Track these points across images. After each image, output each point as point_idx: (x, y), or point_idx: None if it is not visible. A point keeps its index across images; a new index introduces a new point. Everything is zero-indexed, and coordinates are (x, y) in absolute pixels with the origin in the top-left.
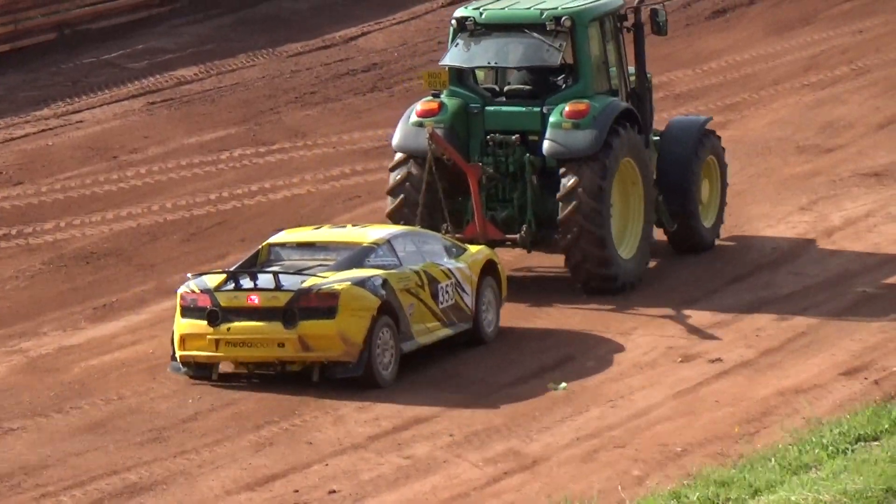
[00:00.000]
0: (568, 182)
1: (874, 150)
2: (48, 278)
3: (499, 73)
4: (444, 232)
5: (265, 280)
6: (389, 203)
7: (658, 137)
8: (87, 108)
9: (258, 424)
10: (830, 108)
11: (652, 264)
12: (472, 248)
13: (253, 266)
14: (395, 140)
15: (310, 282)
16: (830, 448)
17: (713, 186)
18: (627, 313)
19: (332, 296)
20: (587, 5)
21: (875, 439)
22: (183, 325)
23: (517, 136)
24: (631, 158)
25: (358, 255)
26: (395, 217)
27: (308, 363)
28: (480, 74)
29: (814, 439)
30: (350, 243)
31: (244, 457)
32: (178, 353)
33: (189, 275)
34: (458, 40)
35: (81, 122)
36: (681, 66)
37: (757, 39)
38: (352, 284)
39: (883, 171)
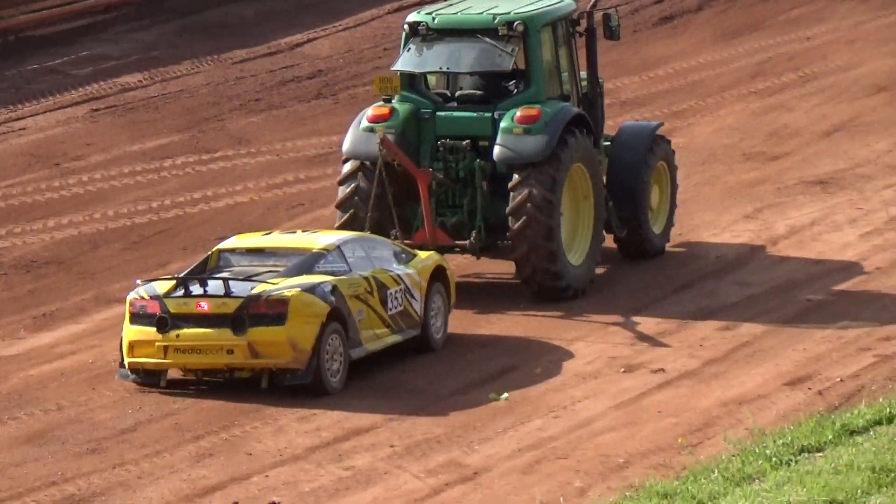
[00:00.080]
0: (518, 188)
1: (820, 157)
2: None
3: (450, 78)
4: (393, 238)
5: (215, 286)
6: (338, 218)
7: (609, 143)
8: (30, 115)
9: (198, 435)
10: (777, 116)
11: (600, 270)
12: (422, 254)
13: (203, 272)
14: (346, 145)
15: (259, 288)
16: (774, 459)
17: (663, 192)
18: (572, 322)
19: (282, 302)
20: (540, 10)
21: (819, 450)
22: (131, 332)
23: (468, 141)
24: (582, 164)
25: (307, 262)
26: (345, 225)
27: (257, 370)
28: (432, 79)
29: (757, 450)
30: (300, 249)
31: (184, 468)
32: (127, 360)
33: (138, 281)
34: (410, 45)
35: (24, 129)
36: (628, 73)
37: (704, 46)
38: (301, 291)
39: (828, 178)
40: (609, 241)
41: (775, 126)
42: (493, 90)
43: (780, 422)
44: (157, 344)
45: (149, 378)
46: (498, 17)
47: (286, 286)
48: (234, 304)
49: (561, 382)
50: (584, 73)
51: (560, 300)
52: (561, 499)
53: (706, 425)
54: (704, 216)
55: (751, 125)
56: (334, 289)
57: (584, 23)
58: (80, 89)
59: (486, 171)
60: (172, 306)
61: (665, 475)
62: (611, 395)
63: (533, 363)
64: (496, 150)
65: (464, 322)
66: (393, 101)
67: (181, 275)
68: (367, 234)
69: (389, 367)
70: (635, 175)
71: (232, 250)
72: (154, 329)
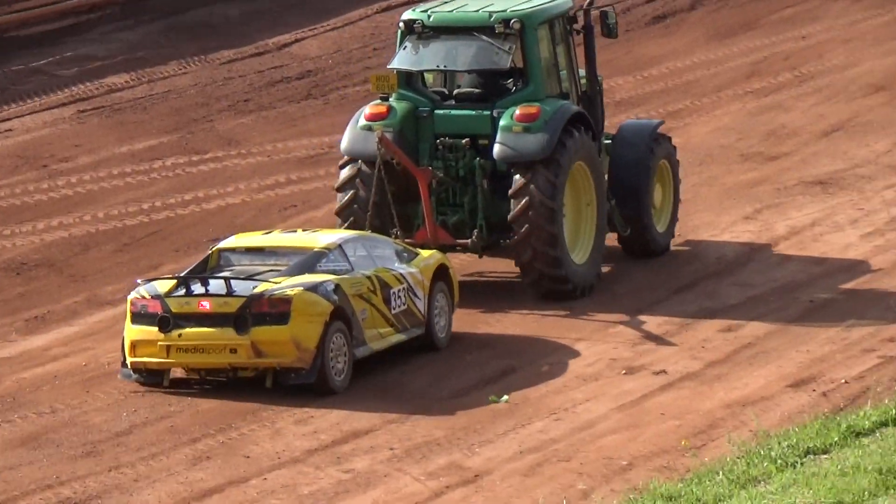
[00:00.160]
0: (519, 186)
1: (819, 158)
2: None
3: (448, 76)
4: (394, 237)
5: (216, 285)
6: (338, 225)
7: (609, 141)
8: (17, 116)
9: (194, 438)
10: (774, 116)
11: (605, 269)
12: (424, 253)
13: (203, 271)
14: (344, 144)
15: (262, 287)
16: (779, 461)
17: (666, 191)
18: (573, 322)
19: (285, 301)
20: (536, 7)
21: (824, 452)
22: (133, 332)
23: (467, 139)
24: (583, 162)
25: (309, 260)
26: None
27: (261, 369)
28: (429, 77)
29: (762, 452)
30: (301, 248)
31: (180, 471)
32: (129, 360)
33: (139, 280)
34: (406, 43)
35: (10, 130)
36: (621, 73)
37: (698, 45)
38: (304, 290)
39: (828, 179)
40: (612, 240)
41: (772, 126)
42: (492, 88)
43: (784, 424)
44: (159, 343)
45: (151, 378)
46: (494, 15)
47: (289, 285)
48: (237, 304)
49: (562, 384)
50: (582, 71)
51: (564, 298)
52: (563, 501)
53: (710, 427)
54: (703, 217)
55: (748, 125)
56: (337, 288)
57: (581, 20)
58: (67, 90)
59: (487, 169)
60: (174, 306)
61: (669, 477)
62: (612, 397)
63: (534, 364)
64: (496, 148)
65: (466, 321)
66: (390, 99)
67: (182, 274)
68: (368, 232)
69: (388, 368)
70: (637, 173)
71: (232, 249)
72: (156, 329)
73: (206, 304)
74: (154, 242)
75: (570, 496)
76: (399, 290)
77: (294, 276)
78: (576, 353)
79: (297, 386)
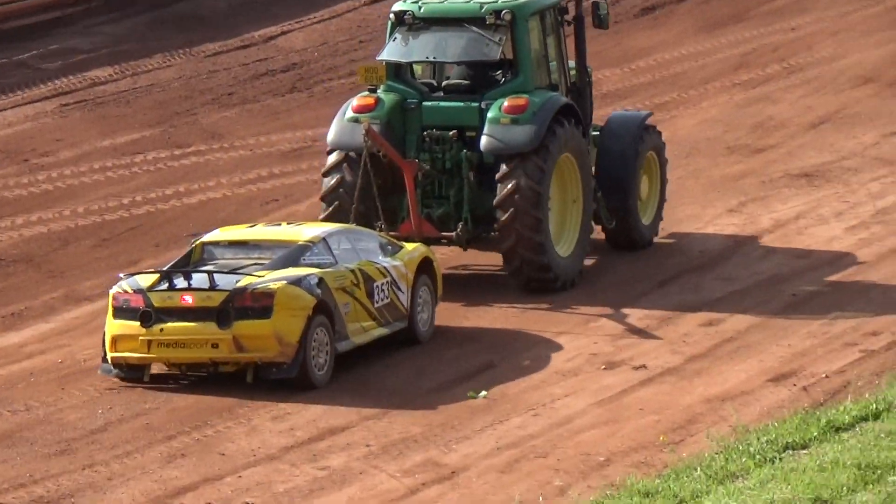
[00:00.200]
0: (505, 179)
1: (805, 150)
2: None
3: (437, 67)
4: (378, 229)
5: (199, 279)
6: (323, 209)
7: (597, 133)
8: None
9: (169, 435)
10: (761, 108)
11: (589, 262)
12: (408, 246)
13: (186, 265)
14: (331, 136)
15: (245, 281)
16: (758, 457)
17: (653, 183)
18: (554, 316)
19: (268, 295)
20: None
21: (804, 447)
22: (115, 326)
23: (454, 131)
24: (570, 154)
25: (293, 254)
26: (330, 217)
27: (242, 364)
28: (418, 69)
29: (741, 448)
30: (285, 241)
31: (155, 469)
32: (110, 355)
33: (121, 275)
34: (396, 34)
35: None
36: (608, 65)
37: (686, 37)
38: (287, 283)
39: (814, 171)
40: (596, 233)
41: (760, 118)
42: (481, 80)
43: (764, 418)
44: (140, 338)
45: (132, 373)
46: (485, 7)
47: (272, 279)
48: (219, 298)
49: (540, 380)
50: (572, 63)
51: (549, 291)
52: (540, 498)
53: (689, 422)
54: (688, 210)
55: (735, 117)
56: (320, 281)
57: (572, 11)
58: (50, 83)
59: (473, 161)
60: (156, 300)
61: (647, 473)
62: (591, 393)
63: (513, 359)
64: (483, 140)
65: (448, 315)
66: (378, 91)
67: (165, 268)
68: (352, 225)
69: (366, 362)
70: (624, 165)
71: (216, 243)
72: (138, 323)
73: (189, 299)
74: (134, 237)
75: (546, 493)
76: (382, 284)
77: (278, 269)
78: (556, 348)
79: (275, 381)
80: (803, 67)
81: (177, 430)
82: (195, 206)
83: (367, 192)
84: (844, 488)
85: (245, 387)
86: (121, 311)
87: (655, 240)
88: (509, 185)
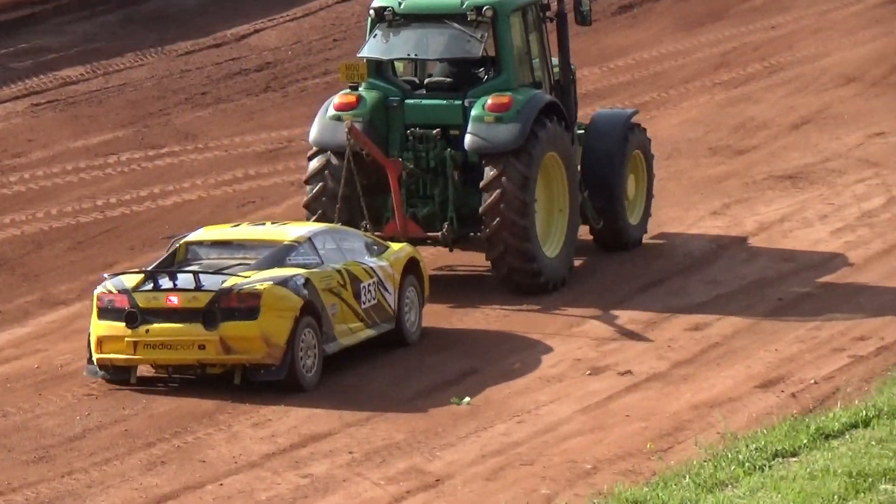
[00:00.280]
0: (490, 179)
1: (788, 151)
2: None
3: (419, 65)
4: (363, 230)
5: (185, 280)
6: (307, 218)
7: (582, 131)
8: None
9: (149, 442)
10: (743, 108)
11: (576, 262)
12: (395, 246)
13: (171, 265)
14: (313, 135)
15: (231, 281)
16: (747, 464)
17: (640, 182)
18: (539, 318)
19: (255, 296)
20: None
21: (793, 455)
22: (100, 327)
23: (438, 130)
24: (555, 153)
25: (279, 254)
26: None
27: (230, 366)
28: (400, 66)
29: (729, 455)
30: (270, 241)
31: (135, 476)
32: (95, 357)
33: (105, 275)
34: (377, 31)
35: None
36: (587, 64)
37: (665, 36)
38: (274, 284)
39: (797, 173)
40: (584, 233)
41: (741, 119)
42: (463, 77)
43: (752, 425)
44: (126, 339)
45: (118, 375)
46: (466, 3)
47: (258, 279)
48: (206, 298)
49: (525, 386)
50: (555, 60)
51: (536, 291)
52: None
53: (676, 429)
54: (670, 212)
55: (716, 118)
56: (307, 282)
57: (554, 7)
58: (20, 83)
59: (458, 160)
60: (141, 300)
61: (634, 481)
62: (577, 399)
63: (497, 364)
64: (467, 138)
65: (433, 317)
66: (360, 88)
67: (150, 268)
68: (337, 225)
69: (348, 367)
70: (610, 164)
71: (200, 243)
72: (123, 324)
73: (175, 299)
74: (109, 240)
75: (533, 501)
76: (369, 285)
77: (264, 269)
78: (541, 353)
79: (257, 384)
80: (784, 67)
81: (156, 437)
82: (170, 207)
83: (352, 196)
84: (835, 497)
85: (224, 392)
86: (106, 312)
87: (643, 240)
88: (494, 194)
